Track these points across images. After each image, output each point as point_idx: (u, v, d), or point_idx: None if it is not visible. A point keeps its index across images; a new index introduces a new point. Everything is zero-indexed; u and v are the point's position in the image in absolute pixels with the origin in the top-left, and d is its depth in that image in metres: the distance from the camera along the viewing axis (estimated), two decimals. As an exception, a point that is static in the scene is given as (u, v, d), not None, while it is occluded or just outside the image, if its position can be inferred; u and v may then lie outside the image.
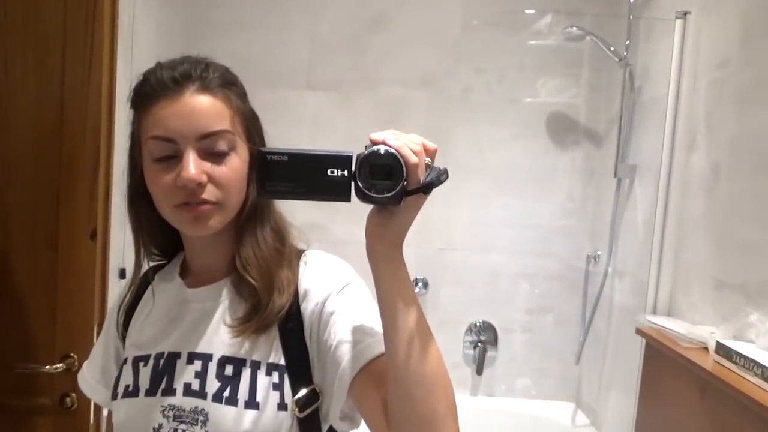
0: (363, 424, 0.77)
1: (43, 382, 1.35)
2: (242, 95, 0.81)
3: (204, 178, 0.73)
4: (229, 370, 0.76)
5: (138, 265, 0.85)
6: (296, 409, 0.75)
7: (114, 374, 0.87)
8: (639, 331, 1.66)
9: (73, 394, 1.34)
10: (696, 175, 1.67)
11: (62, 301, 1.34)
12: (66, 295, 1.34)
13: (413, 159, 0.62)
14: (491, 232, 2.45)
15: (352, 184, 0.65)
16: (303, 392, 0.76)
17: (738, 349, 1.24)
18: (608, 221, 2.20)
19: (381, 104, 2.41)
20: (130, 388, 0.80)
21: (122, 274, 1.52)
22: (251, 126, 0.80)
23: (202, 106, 0.74)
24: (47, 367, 1.32)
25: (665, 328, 1.55)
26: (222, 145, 0.75)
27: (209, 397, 0.75)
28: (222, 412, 0.74)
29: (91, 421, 1.35)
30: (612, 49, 2.14)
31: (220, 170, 0.74)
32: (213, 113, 0.74)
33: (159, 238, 0.86)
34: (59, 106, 1.32)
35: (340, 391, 0.74)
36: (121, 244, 1.46)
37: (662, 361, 1.54)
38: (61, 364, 1.33)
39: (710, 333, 1.39)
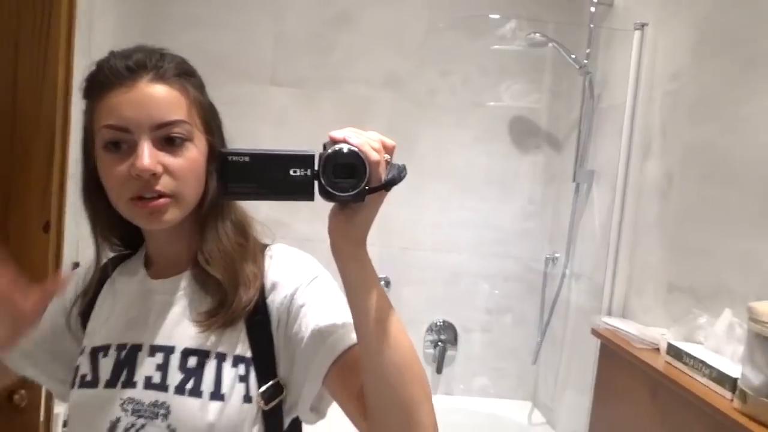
0: (329, 414, 0.78)
1: (-9, 380, 1.30)
2: (200, 87, 0.79)
3: (159, 169, 0.71)
4: (192, 361, 0.75)
5: (98, 259, 0.83)
6: (262, 402, 0.75)
7: (51, 349, 0.87)
8: (594, 332, 1.70)
9: (23, 391, 1.29)
10: (650, 181, 1.72)
11: (12, 297, 1.29)
12: (16, 290, 1.29)
13: (375, 156, 0.62)
14: (453, 233, 2.48)
15: (316, 183, 0.64)
16: (268, 385, 0.76)
17: (687, 350, 1.28)
18: (567, 225, 2.25)
19: (345, 103, 2.41)
20: (88, 378, 0.78)
21: (75, 268, 1.47)
22: (210, 118, 0.79)
23: (158, 95, 0.72)
24: (-5, 364, 1.28)
25: (619, 329, 1.59)
26: (178, 135, 0.73)
27: (171, 389, 0.74)
28: (185, 405, 0.73)
29: (41, 418, 1.31)
30: (573, 56, 2.19)
31: (176, 161, 0.73)
32: (169, 102, 0.73)
33: (118, 230, 0.84)
34: (11, 98, 1.27)
35: (313, 382, 0.74)
36: (76, 238, 1.42)
37: (616, 362, 1.58)
38: (9, 362, 1.28)
39: (662, 334, 1.43)
